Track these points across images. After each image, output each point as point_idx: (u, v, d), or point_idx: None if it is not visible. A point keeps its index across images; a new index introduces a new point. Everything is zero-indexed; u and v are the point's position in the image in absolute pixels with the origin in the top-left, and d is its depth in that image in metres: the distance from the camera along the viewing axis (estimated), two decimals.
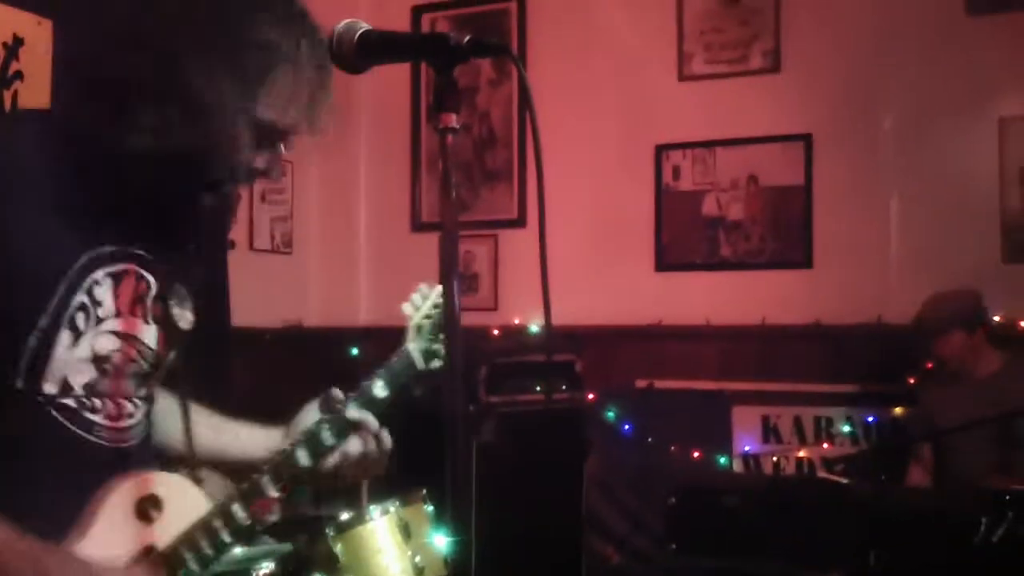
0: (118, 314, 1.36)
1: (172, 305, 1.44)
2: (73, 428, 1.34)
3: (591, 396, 4.11)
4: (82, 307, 1.31)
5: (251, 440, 1.66)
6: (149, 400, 1.47)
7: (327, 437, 1.59)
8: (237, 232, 4.16)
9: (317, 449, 1.58)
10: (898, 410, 3.86)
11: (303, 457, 1.57)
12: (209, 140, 1.30)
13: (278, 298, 4.43)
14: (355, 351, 4.31)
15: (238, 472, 1.60)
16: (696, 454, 4.08)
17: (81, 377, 1.34)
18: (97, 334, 1.34)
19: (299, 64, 1.34)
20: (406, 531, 2.15)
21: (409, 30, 4.80)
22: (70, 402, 1.33)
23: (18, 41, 3.02)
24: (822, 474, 3.70)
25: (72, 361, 1.32)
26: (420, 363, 1.69)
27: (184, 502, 1.45)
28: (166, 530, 1.42)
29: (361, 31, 1.24)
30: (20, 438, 1.32)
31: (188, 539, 1.43)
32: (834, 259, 4.14)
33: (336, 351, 4.26)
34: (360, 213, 4.95)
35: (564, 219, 4.11)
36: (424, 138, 4.85)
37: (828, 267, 4.15)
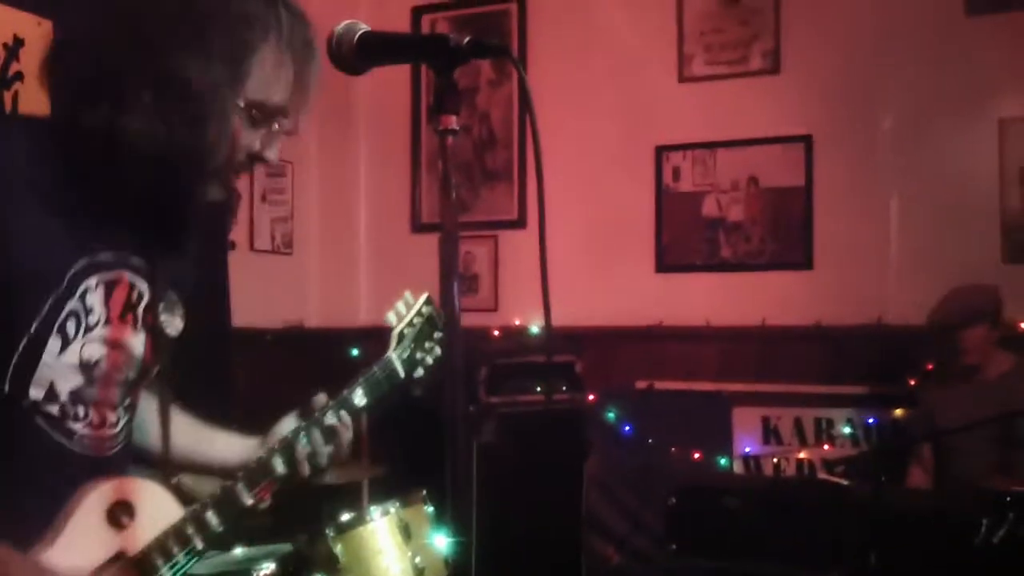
0: (108, 321, 1.36)
1: (161, 311, 1.44)
2: (54, 435, 1.33)
3: (591, 397, 4.11)
4: (73, 313, 1.31)
5: (228, 448, 1.65)
6: (132, 408, 1.47)
7: (303, 445, 1.60)
8: (238, 233, 4.16)
9: (293, 457, 1.58)
10: (899, 411, 3.86)
11: (279, 465, 1.57)
12: (203, 127, 1.29)
13: (279, 299, 4.43)
14: (356, 351, 4.31)
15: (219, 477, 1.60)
16: (696, 455, 4.07)
17: (68, 383, 1.33)
18: (86, 341, 1.33)
19: (283, 40, 1.33)
20: (406, 532, 2.15)
21: (409, 31, 4.80)
22: (54, 409, 1.32)
23: (18, 42, 3.02)
24: (823, 475, 3.70)
25: (59, 367, 1.31)
26: (401, 372, 1.71)
27: (157, 509, 1.44)
28: (138, 536, 1.41)
29: (361, 32, 1.24)
30: (3, 443, 1.31)
31: (160, 545, 1.43)
32: (834, 260, 4.15)
33: (337, 351, 4.25)
34: (360, 214, 4.96)
35: (564, 220, 4.11)
36: (424, 139, 4.86)
37: (828, 268, 4.15)
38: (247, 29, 1.30)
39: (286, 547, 2.31)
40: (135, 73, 1.26)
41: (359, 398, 1.66)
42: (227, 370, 3.74)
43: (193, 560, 1.47)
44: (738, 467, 4.12)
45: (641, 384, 4.27)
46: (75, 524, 1.34)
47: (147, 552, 1.41)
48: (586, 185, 4.40)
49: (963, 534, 2.74)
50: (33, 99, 3.00)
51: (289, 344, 4.32)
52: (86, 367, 1.34)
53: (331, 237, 4.78)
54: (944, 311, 3.48)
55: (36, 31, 3.06)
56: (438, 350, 1.74)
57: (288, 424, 1.66)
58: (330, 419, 1.62)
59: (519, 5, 4.66)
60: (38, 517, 1.33)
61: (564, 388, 3.99)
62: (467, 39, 1.18)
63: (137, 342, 1.41)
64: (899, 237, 4.07)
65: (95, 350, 1.35)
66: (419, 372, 1.72)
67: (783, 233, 4.25)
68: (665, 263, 4.42)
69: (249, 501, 1.53)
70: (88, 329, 1.33)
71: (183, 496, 1.50)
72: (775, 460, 3.96)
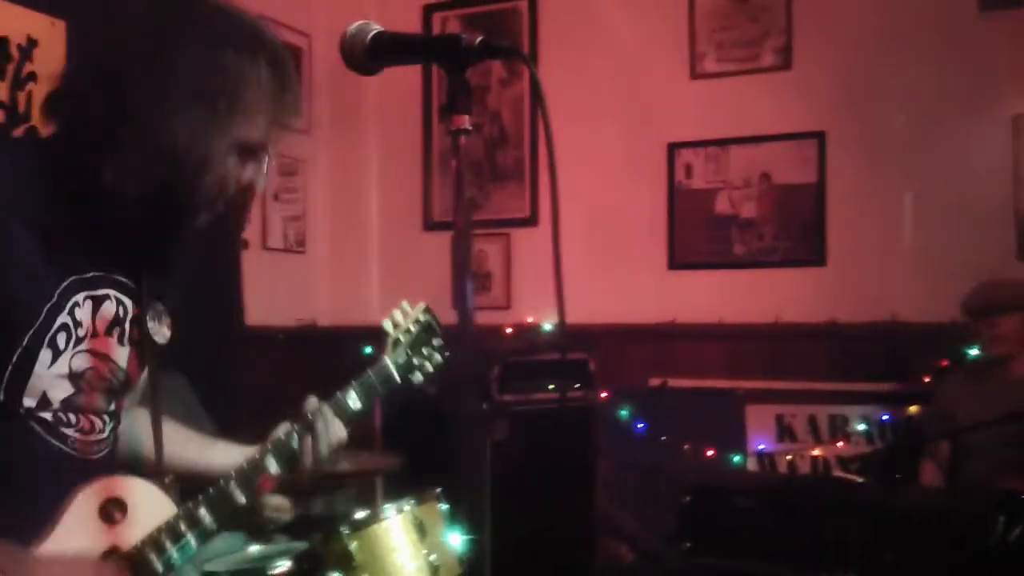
0: (95, 334, 1.42)
1: (149, 320, 1.50)
2: (49, 439, 1.39)
3: (604, 395, 4.11)
4: (63, 327, 1.37)
5: (227, 456, 1.68)
6: (117, 416, 1.53)
7: (295, 444, 1.64)
8: (250, 231, 4.17)
9: (286, 456, 1.63)
10: (913, 408, 3.84)
11: (271, 464, 1.62)
12: (190, 172, 1.36)
13: (291, 297, 4.45)
14: (368, 350, 4.31)
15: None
16: (710, 453, 4.07)
17: (59, 392, 1.40)
18: (75, 353, 1.40)
19: (263, 82, 1.39)
20: (421, 529, 2.15)
21: (420, 29, 4.81)
22: (47, 416, 1.39)
23: (32, 42, 3.03)
24: (837, 473, 3.69)
25: (51, 377, 1.38)
26: (397, 376, 1.76)
27: (149, 506, 1.49)
28: (130, 532, 1.45)
29: (373, 33, 1.24)
30: (0, 448, 1.37)
31: (153, 541, 1.47)
32: (848, 257, 4.13)
33: (349, 350, 4.25)
34: (372, 212, 4.96)
35: (576, 218, 4.11)
36: (435, 137, 4.86)
37: (842, 265, 4.14)
38: (233, 84, 1.36)
39: (301, 545, 2.32)
40: (124, 124, 1.33)
41: (353, 401, 1.71)
42: (236, 370, 3.74)
43: (187, 556, 1.50)
44: (752, 465, 4.10)
45: (654, 382, 4.27)
46: (68, 520, 1.39)
47: (140, 547, 1.46)
48: (598, 183, 4.40)
49: (978, 533, 2.73)
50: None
51: (302, 343, 4.33)
52: (75, 377, 1.41)
53: (343, 235, 4.79)
54: (984, 297, 3.46)
55: (50, 31, 3.07)
56: (439, 357, 1.80)
57: (285, 429, 1.70)
58: (322, 420, 1.66)
59: (530, 3, 4.66)
60: (35, 516, 1.38)
61: (577, 386, 3.98)
62: (479, 40, 1.18)
63: (122, 355, 1.47)
64: (913, 234, 4.05)
65: (82, 361, 1.41)
66: (418, 377, 1.78)
67: (796, 230, 4.23)
68: (677, 260, 4.41)
69: (242, 499, 1.57)
70: (77, 342, 1.40)
71: (176, 495, 1.54)
72: (789, 458, 3.94)
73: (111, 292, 1.45)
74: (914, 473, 3.57)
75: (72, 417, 1.42)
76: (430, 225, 4.86)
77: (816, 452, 4.02)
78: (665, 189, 4.43)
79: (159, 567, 1.47)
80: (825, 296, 4.09)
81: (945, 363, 3.69)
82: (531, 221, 4.63)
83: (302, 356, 4.20)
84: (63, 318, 1.37)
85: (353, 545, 2.09)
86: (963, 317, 3.50)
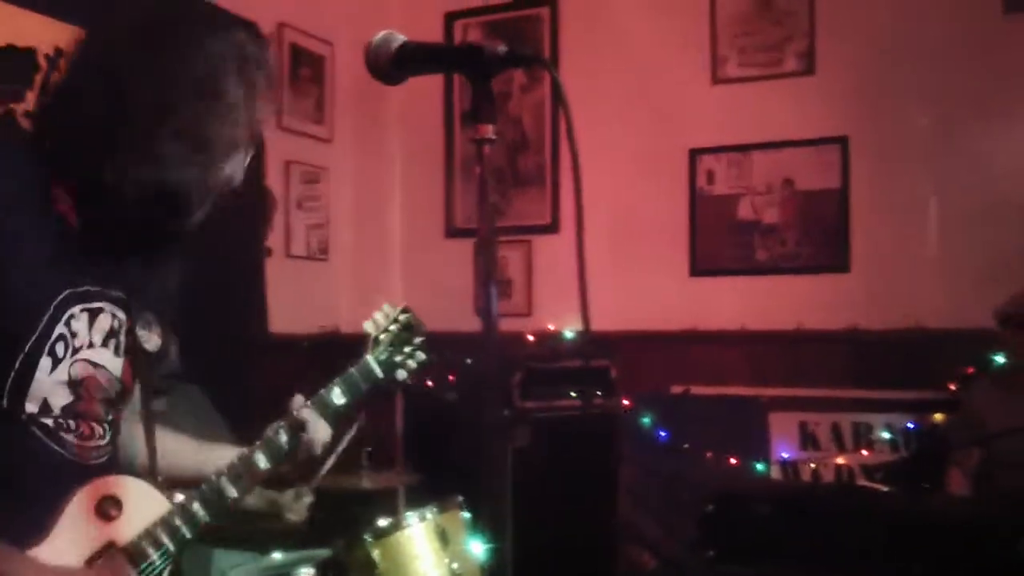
0: (91, 345, 1.47)
1: (139, 328, 1.55)
2: (50, 444, 1.44)
3: (626, 402, 4.09)
4: (62, 337, 1.42)
5: (223, 459, 1.71)
6: (116, 425, 1.57)
7: (283, 441, 1.71)
8: (274, 239, 4.20)
9: (274, 452, 1.70)
10: (938, 416, 3.81)
11: (261, 460, 1.68)
12: (191, 172, 1.40)
13: (314, 305, 4.46)
14: None
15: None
16: (733, 461, 4.04)
17: (59, 399, 1.44)
18: (74, 362, 1.44)
19: (251, 77, 1.44)
20: (443, 537, 2.16)
21: (441, 37, 4.82)
22: (48, 422, 1.43)
23: (59, 52, 3.07)
24: (862, 481, 3.66)
25: (50, 384, 1.42)
26: (380, 373, 1.85)
27: (144, 502, 1.54)
28: (126, 528, 1.51)
29: (399, 43, 1.25)
30: (2, 452, 1.42)
31: (149, 535, 1.53)
32: (872, 263, 4.10)
33: None
34: (395, 219, 4.98)
35: (598, 224, 4.11)
36: (457, 144, 4.87)
37: (865, 271, 4.11)
38: (220, 78, 1.40)
39: (324, 552, 2.32)
40: (124, 124, 1.37)
41: (337, 396, 1.79)
42: (250, 372, 3.75)
43: (182, 548, 1.56)
44: (775, 473, 4.08)
45: (676, 389, 4.25)
46: (66, 519, 1.44)
47: (136, 542, 1.51)
48: (620, 189, 4.39)
49: (1006, 541, 2.70)
50: None
51: (325, 349, 4.34)
52: (74, 385, 1.45)
53: (366, 243, 4.81)
54: (1017, 305, 3.42)
55: None
56: (421, 355, 1.91)
57: (274, 427, 1.75)
58: (306, 416, 1.73)
59: (551, 10, 4.67)
60: (34, 518, 1.43)
61: (599, 393, 3.97)
62: (503, 49, 1.18)
63: (116, 365, 1.52)
64: (937, 239, 4.02)
65: (80, 369, 1.45)
66: (401, 374, 1.88)
67: (819, 236, 4.21)
68: (699, 267, 4.40)
69: (234, 494, 1.63)
70: (75, 351, 1.44)
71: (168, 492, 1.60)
72: (813, 466, 3.92)
73: (105, 304, 1.49)
74: (940, 481, 3.53)
75: (72, 423, 1.46)
76: (452, 232, 4.87)
77: (840, 460, 3.98)
78: (687, 195, 4.42)
79: (156, 561, 1.52)
80: (848, 302, 4.06)
81: (971, 370, 3.65)
82: (552, 228, 4.63)
83: (326, 363, 4.20)
84: (60, 328, 1.41)
85: (376, 553, 2.10)
86: (997, 326, 3.46)
